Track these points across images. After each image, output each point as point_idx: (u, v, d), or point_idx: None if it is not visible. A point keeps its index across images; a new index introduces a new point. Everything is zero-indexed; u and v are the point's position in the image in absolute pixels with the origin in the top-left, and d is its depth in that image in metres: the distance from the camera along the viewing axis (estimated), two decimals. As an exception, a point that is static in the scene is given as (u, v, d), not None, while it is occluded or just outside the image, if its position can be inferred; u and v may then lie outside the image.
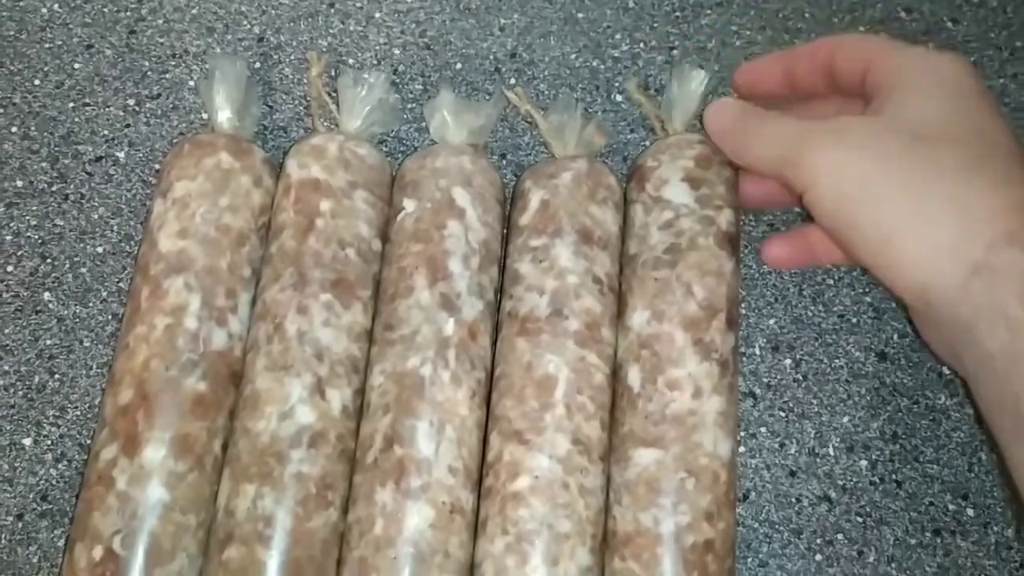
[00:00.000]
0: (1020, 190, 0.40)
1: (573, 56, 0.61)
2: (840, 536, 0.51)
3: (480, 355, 0.49)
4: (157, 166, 0.57)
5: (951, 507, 0.52)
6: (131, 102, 0.59)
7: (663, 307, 0.49)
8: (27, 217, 0.56)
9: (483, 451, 0.48)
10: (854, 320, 0.55)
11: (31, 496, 0.50)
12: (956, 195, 0.40)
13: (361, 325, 0.49)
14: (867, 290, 0.56)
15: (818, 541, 0.51)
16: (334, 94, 0.56)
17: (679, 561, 0.44)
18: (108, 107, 0.58)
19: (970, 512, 0.52)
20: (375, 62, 0.60)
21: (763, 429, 0.53)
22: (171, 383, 0.46)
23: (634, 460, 0.47)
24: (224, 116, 0.53)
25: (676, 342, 0.48)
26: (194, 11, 0.61)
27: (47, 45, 0.60)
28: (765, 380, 0.54)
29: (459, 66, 0.60)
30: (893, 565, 0.50)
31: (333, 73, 0.59)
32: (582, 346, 0.48)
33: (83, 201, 0.56)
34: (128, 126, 0.58)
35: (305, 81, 0.59)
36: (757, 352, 0.55)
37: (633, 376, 0.48)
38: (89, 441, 0.51)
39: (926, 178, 0.41)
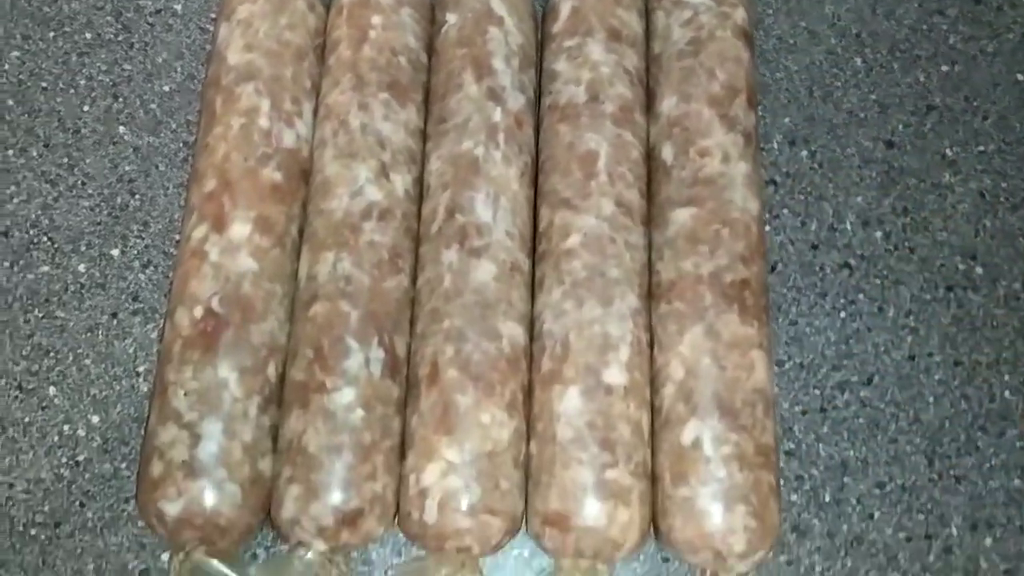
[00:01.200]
0: None
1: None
2: (861, 296, 0.56)
3: (526, 142, 0.54)
4: (212, 15, 0.62)
5: (961, 266, 0.57)
6: (184, -38, 0.64)
7: (689, 90, 0.54)
8: (97, 64, 0.60)
9: (534, 224, 0.53)
10: (862, 115, 0.60)
11: (123, 297, 0.55)
12: None
13: (415, 124, 0.54)
14: (871, 89, 0.61)
15: (841, 301, 0.56)
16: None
17: (720, 296, 0.49)
18: (163, -33, 0.63)
19: (979, 270, 0.56)
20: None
21: (785, 211, 0.58)
22: (250, 172, 0.51)
23: (672, 220, 0.51)
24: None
25: (703, 117, 0.53)
26: None
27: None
28: (784, 170, 0.59)
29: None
30: (911, 317, 0.55)
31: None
32: (618, 126, 0.53)
33: (147, 48, 0.61)
34: (183, -18, 0.63)
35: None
36: (775, 146, 0.59)
37: (666, 152, 0.53)
38: (172, 250, 0.56)
39: None
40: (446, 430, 0.47)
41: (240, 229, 0.50)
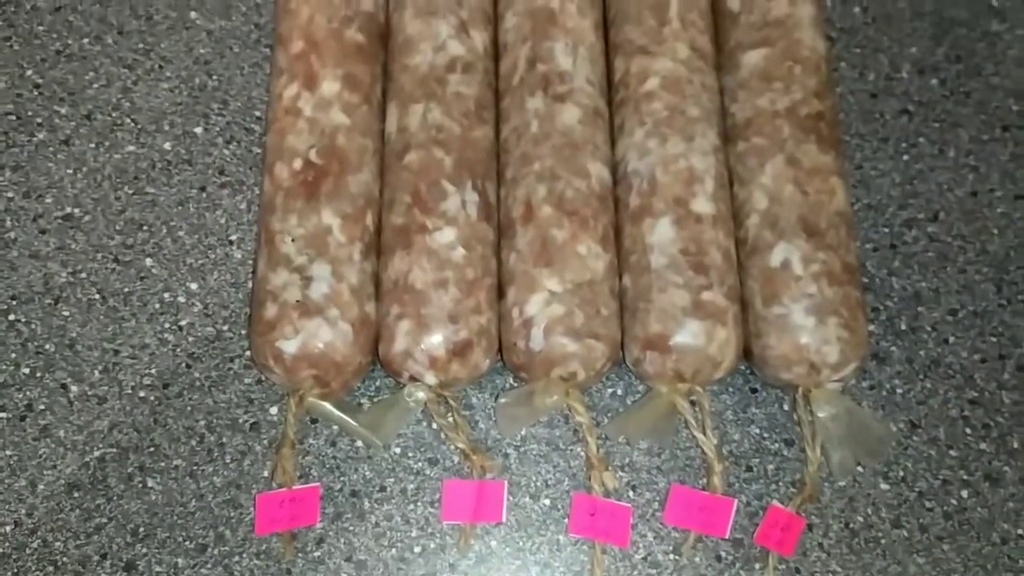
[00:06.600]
0: None
1: None
2: (921, 139, 0.58)
3: (596, -5, 0.55)
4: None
5: (1015, 107, 0.59)
6: None
7: (751, -59, 0.55)
8: (162, -45, 0.62)
9: (608, 74, 0.54)
10: (910, -29, 0.62)
11: (210, 172, 0.56)
12: None
13: (486, -12, 0.56)
14: (918, -53, 0.63)
15: (903, 145, 0.58)
16: None
17: (797, 127, 0.51)
18: None
19: (1032, 110, 0.59)
20: None
21: (843, 64, 0.60)
22: (334, 33, 0.52)
23: (744, 63, 0.53)
24: None
25: (767, -34, 0.54)
26: None
27: None
28: (839, 25, 0.61)
29: None
30: (971, 157, 0.58)
31: None
32: (685, -23, 0.55)
33: (210, -63, 0.62)
34: None
35: None
36: (828, 4, 0.61)
37: (732, 1, 0.55)
38: (254, 126, 0.57)
39: None
40: (546, 262, 0.49)
41: (330, 87, 0.51)
